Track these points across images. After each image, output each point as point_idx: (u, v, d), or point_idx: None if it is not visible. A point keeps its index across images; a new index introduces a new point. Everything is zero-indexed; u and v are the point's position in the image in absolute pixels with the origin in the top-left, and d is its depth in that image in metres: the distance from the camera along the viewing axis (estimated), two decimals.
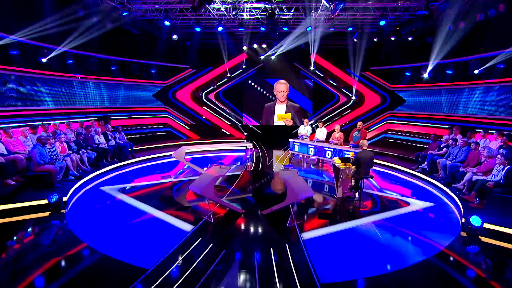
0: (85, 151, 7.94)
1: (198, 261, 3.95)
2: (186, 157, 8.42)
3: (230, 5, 9.71)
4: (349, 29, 11.04)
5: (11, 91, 8.02)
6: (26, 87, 8.38)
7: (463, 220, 5.11)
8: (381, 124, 12.69)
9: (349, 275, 3.77)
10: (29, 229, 5.11)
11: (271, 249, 4.31)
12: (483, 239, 4.84)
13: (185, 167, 9.18)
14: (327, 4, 7.41)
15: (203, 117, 13.90)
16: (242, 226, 5.24)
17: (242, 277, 3.65)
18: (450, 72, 9.89)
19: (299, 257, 4.12)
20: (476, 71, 8.89)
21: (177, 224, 5.13)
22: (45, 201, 5.63)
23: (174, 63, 12.97)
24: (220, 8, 9.92)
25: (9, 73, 7.90)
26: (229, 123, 14.20)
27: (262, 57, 13.43)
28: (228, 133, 14.14)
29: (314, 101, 13.79)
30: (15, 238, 4.72)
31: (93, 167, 8.03)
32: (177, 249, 4.25)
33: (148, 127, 12.69)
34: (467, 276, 3.94)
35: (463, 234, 4.98)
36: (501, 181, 5.39)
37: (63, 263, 3.95)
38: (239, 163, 10.20)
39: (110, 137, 9.40)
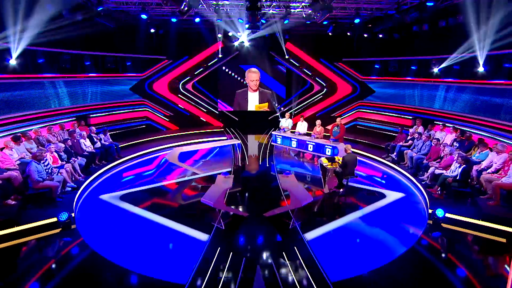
0: (75, 159, 7.86)
1: (225, 271, 4.57)
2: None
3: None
4: (324, 22, 11.49)
5: None
6: None
7: (430, 210, 6.28)
8: (352, 112, 13.77)
9: (352, 272, 4.63)
10: (47, 248, 5.34)
11: (283, 253, 5.07)
12: (444, 225, 6.06)
13: (164, 160, 10.02)
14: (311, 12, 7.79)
15: (182, 107, 13.91)
16: (251, 231, 5.84)
17: (267, 282, 4.36)
18: (414, 67, 10.98)
19: (307, 257, 4.91)
20: (436, 70, 10.06)
21: (192, 234, 5.64)
22: (53, 219, 5.76)
23: (151, 54, 12.55)
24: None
25: None
26: (205, 111, 14.32)
27: (235, 43, 13.43)
28: (205, 121, 14.30)
29: (287, 86, 14.34)
30: (36, 258, 4.92)
31: (85, 174, 8.02)
32: (202, 261, 4.80)
33: (127, 122, 12.44)
34: (442, 258, 5.07)
35: (429, 222, 6.19)
36: (458, 177, 6.59)
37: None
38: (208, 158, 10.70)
39: (95, 139, 9.26)
